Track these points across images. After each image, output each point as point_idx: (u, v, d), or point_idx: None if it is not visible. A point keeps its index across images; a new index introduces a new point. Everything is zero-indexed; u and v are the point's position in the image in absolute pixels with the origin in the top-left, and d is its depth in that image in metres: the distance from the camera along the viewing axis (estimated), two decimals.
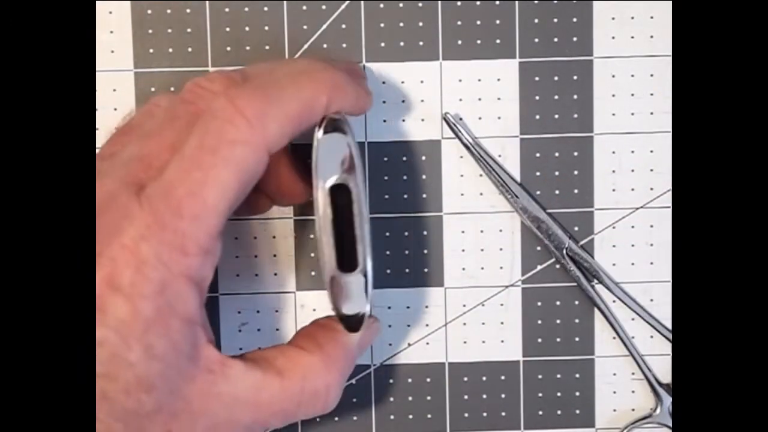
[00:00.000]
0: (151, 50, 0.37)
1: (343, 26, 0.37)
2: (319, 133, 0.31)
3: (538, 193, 0.38)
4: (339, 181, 0.32)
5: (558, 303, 0.38)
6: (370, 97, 0.34)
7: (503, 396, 0.39)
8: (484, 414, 0.39)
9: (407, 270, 0.38)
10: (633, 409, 0.39)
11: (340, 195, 0.32)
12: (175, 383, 0.29)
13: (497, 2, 0.37)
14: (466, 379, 0.38)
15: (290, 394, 0.32)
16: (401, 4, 0.37)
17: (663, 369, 0.39)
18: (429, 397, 0.39)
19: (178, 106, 0.31)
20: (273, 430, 0.36)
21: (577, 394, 0.39)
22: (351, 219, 0.32)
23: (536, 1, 0.37)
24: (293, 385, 0.32)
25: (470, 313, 0.38)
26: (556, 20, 0.37)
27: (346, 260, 0.32)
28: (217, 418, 0.30)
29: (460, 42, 0.37)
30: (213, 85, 0.31)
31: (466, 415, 0.39)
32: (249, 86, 0.30)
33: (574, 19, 0.37)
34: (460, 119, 0.38)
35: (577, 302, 0.38)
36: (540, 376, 0.39)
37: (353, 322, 0.33)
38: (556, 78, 0.38)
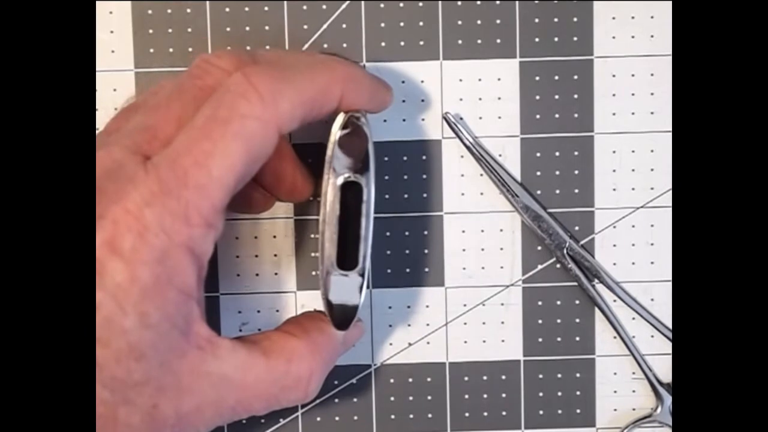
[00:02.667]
0: (151, 50, 0.37)
1: (344, 26, 0.37)
2: (338, 129, 0.32)
3: (538, 192, 0.38)
4: (352, 179, 0.32)
5: (558, 302, 0.38)
6: (389, 93, 0.34)
7: (504, 395, 0.39)
8: (485, 413, 0.39)
9: (407, 270, 0.38)
10: (633, 409, 0.39)
11: (349, 193, 0.32)
12: (166, 356, 0.29)
13: (497, 2, 0.37)
14: (466, 378, 0.38)
15: (275, 375, 0.32)
16: (401, 4, 0.37)
17: (663, 369, 0.39)
18: (429, 397, 0.39)
19: (186, 80, 0.31)
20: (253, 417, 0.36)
21: (578, 393, 0.39)
22: (358, 218, 0.32)
23: (536, 1, 0.37)
24: (278, 367, 0.32)
25: (471, 312, 0.38)
26: (556, 20, 0.37)
27: (347, 258, 0.32)
28: (204, 397, 0.30)
29: (460, 42, 0.37)
30: (221, 61, 0.31)
31: (467, 414, 0.39)
32: (265, 65, 0.30)
33: (575, 19, 0.37)
34: (461, 119, 0.38)
35: (577, 302, 0.38)
36: (540, 376, 0.39)
37: (343, 320, 0.33)
38: (556, 78, 0.38)
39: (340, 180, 0.32)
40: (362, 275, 0.33)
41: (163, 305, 0.29)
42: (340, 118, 0.32)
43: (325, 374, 0.34)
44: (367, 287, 0.33)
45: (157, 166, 0.29)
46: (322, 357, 0.33)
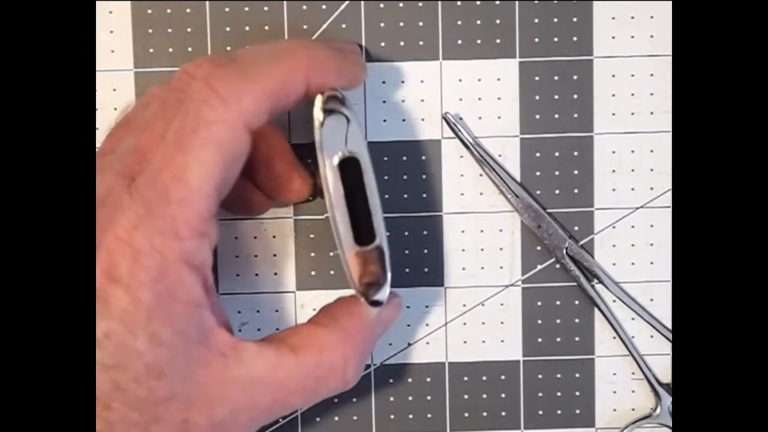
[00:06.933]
0: (151, 50, 0.37)
1: (343, 26, 0.37)
2: (318, 112, 0.31)
3: (538, 192, 0.38)
4: (347, 155, 0.32)
5: (558, 303, 0.38)
6: (359, 68, 0.34)
7: (503, 396, 0.39)
8: (484, 414, 0.39)
9: (407, 270, 0.38)
10: (633, 409, 0.39)
11: (348, 170, 0.32)
12: (187, 369, 0.29)
13: (497, 2, 0.37)
14: (466, 378, 0.38)
15: (307, 369, 0.31)
16: (401, 4, 0.37)
17: (663, 369, 0.39)
18: (429, 397, 0.39)
19: (168, 94, 0.31)
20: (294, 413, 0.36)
21: (577, 393, 0.39)
22: (363, 191, 0.32)
23: (536, 1, 0.37)
24: (309, 360, 0.31)
25: (470, 312, 0.38)
26: (556, 20, 0.37)
27: (363, 234, 0.32)
28: (236, 403, 0.30)
29: (460, 42, 0.37)
30: (200, 70, 0.31)
31: (466, 414, 0.39)
32: (226, 67, 0.30)
33: (574, 19, 0.37)
34: (460, 119, 0.38)
35: (577, 302, 0.38)
36: (540, 376, 0.39)
37: (376, 295, 0.33)
38: (556, 78, 0.38)
39: (336, 159, 0.31)
40: (382, 247, 0.32)
41: (172, 321, 0.29)
42: (318, 101, 0.32)
43: (363, 359, 0.33)
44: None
45: (140, 188, 0.29)
46: (356, 342, 0.33)
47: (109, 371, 0.28)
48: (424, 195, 0.38)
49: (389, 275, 0.33)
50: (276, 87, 0.30)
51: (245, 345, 0.31)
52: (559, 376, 0.39)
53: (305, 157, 0.36)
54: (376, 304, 0.33)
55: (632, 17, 0.37)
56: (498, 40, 0.37)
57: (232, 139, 0.29)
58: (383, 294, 0.33)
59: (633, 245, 0.38)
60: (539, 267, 0.38)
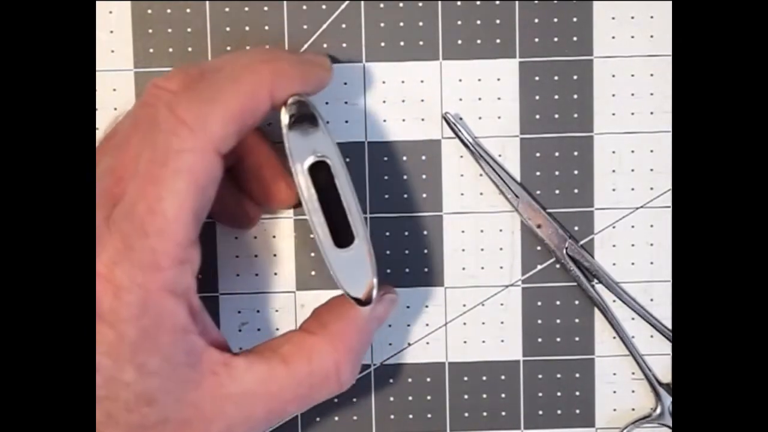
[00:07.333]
0: (151, 50, 0.37)
1: (343, 26, 0.37)
2: (284, 118, 0.32)
3: (538, 192, 0.38)
4: (316, 160, 0.32)
5: (558, 303, 0.38)
6: (324, 71, 0.34)
7: (503, 396, 0.39)
8: (484, 414, 0.39)
9: (407, 270, 0.38)
10: (633, 409, 0.39)
11: (320, 173, 0.32)
12: (179, 392, 0.30)
13: (497, 2, 0.37)
14: (466, 378, 0.38)
15: (299, 379, 0.32)
16: (401, 4, 0.37)
17: (663, 369, 0.39)
18: (429, 397, 0.39)
19: (139, 109, 0.31)
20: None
21: (577, 393, 0.39)
22: (336, 193, 0.32)
23: (536, 1, 0.37)
24: (300, 370, 0.32)
25: (470, 312, 0.38)
26: (556, 20, 0.37)
27: (341, 235, 0.32)
28: (231, 419, 0.30)
29: (460, 42, 0.37)
30: (170, 83, 0.31)
31: (466, 414, 0.39)
32: (189, 92, 0.30)
33: (574, 19, 0.37)
34: (460, 119, 0.38)
35: (577, 302, 0.38)
36: (540, 376, 0.39)
37: (362, 295, 0.33)
38: (556, 78, 0.38)
39: (306, 164, 0.32)
40: (363, 246, 0.32)
41: (159, 350, 0.29)
42: (283, 109, 0.32)
43: (358, 359, 0.33)
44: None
45: (117, 221, 0.29)
46: (347, 345, 0.33)
47: (102, 402, 0.29)
48: (424, 195, 0.38)
49: (375, 273, 0.32)
50: (241, 108, 0.30)
51: (236, 361, 0.31)
52: (559, 376, 0.39)
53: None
54: (365, 303, 0.33)
55: (632, 17, 0.37)
56: (498, 40, 0.37)
57: (203, 165, 0.29)
58: (370, 293, 0.33)
59: (633, 245, 0.38)
60: (539, 267, 0.38)
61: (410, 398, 0.39)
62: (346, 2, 0.37)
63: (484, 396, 0.39)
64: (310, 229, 0.35)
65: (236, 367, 0.31)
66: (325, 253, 0.32)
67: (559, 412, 0.39)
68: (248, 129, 0.31)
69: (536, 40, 0.37)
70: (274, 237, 0.38)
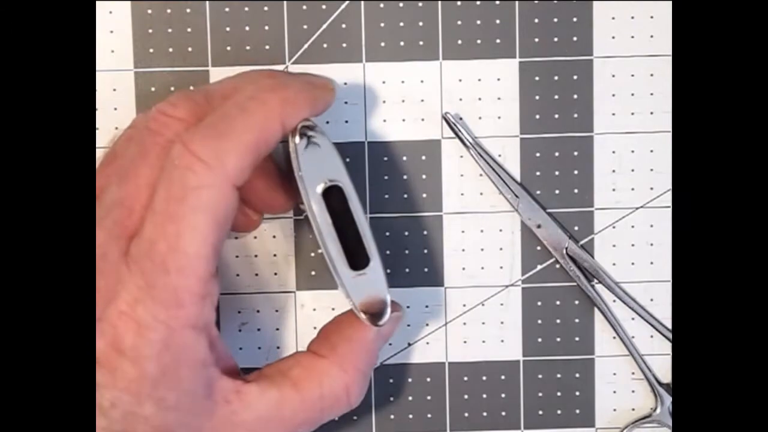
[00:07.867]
0: (151, 50, 0.37)
1: (343, 26, 0.37)
2: (296, 144, 0.31)
3: (538, 192, 0.38)
4: (329, 184, 0.32)
5: (558, 303, 0.38)
6: (329, 93, 0.34)
7: (503, 396, 0.39)
8: (484, 414, 0.39)
9: (407, 270, 0.38)
10: (633, 409, 0.39)
11: (332, 197, 0.32)
12: (195, 424, 0.30)
13: (497, 2, 0.37)
14: (466, 378, 0.38)
15: (310, 403, 0.32)
16: (401, 4, 0.37)
17: (663, 369, 0.39)
18: (429, 397, 0.39)
19: (146, 138, 0.31)
20: None
21: (577, 393, 0.39)
22: (350, 216, 0.32)
23: (536, 1, 0.37)
24: (311, 394, 0.32)
25: (470, 312, 0.38)
26: (556, 20, 0.37)
27: (356, 258, 0.32)
28: None
29: (460, 42, 0.37)
30: (177, 110, 0.31)
31: (466, 414, 0.39)
32: (201, 126, 0.30)
33: (574, 19, 0.37)
34: (460, 119, 0.38)
35: (577, 302, 0.38)
36: (540, 376, 0.39)
37: (377, 316, 0.33)
38: (556, 78, 0.38)
39: (319, 189, 0.32)
40: (379, 267, 0.32)
41: (178, 386, 0.29)
42: (293, 136, 0.31)
43: (366, 378, 0.34)
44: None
45: (137, 260, 0.29)
46: (355, 366, 0.33)
47: None
48: (424, 195, 0.38)
49: (389, 296, 0.33)
50: (256, 141, 0.30)
51: (248, 387, 0.31)
52: (559, 376, 0.39)
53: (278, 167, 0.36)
54: (378, 322, 0.33)
55: (632, 17, 0.37)
56: (498, 40, 0.37)
57: (220, 200, 0.29)
58: (384, 313, 0.33)
59: (633, 245, 0.38)
60: (539, 267, 0.38)
61: (410, 398, 0.39)
62: (346, 2, 0.37)
63: (484, 396, 0.39)
64: (310, 230, 0.35)
65: (248, 394, 0.31)
66: (340, 276, 0.32)
67: (559, 412, 0.39)
68: (261, 158, 0.31)
69: (536, 40, 0.37)
70: (274, 237, 0.38)
